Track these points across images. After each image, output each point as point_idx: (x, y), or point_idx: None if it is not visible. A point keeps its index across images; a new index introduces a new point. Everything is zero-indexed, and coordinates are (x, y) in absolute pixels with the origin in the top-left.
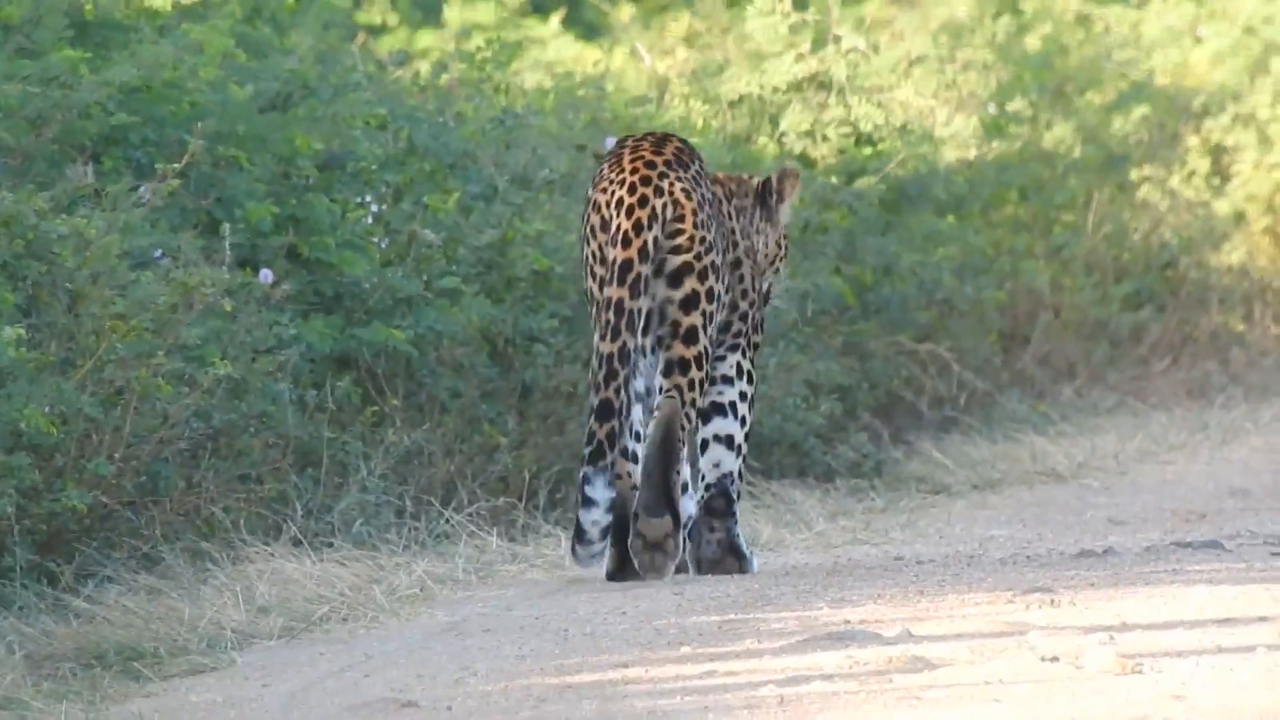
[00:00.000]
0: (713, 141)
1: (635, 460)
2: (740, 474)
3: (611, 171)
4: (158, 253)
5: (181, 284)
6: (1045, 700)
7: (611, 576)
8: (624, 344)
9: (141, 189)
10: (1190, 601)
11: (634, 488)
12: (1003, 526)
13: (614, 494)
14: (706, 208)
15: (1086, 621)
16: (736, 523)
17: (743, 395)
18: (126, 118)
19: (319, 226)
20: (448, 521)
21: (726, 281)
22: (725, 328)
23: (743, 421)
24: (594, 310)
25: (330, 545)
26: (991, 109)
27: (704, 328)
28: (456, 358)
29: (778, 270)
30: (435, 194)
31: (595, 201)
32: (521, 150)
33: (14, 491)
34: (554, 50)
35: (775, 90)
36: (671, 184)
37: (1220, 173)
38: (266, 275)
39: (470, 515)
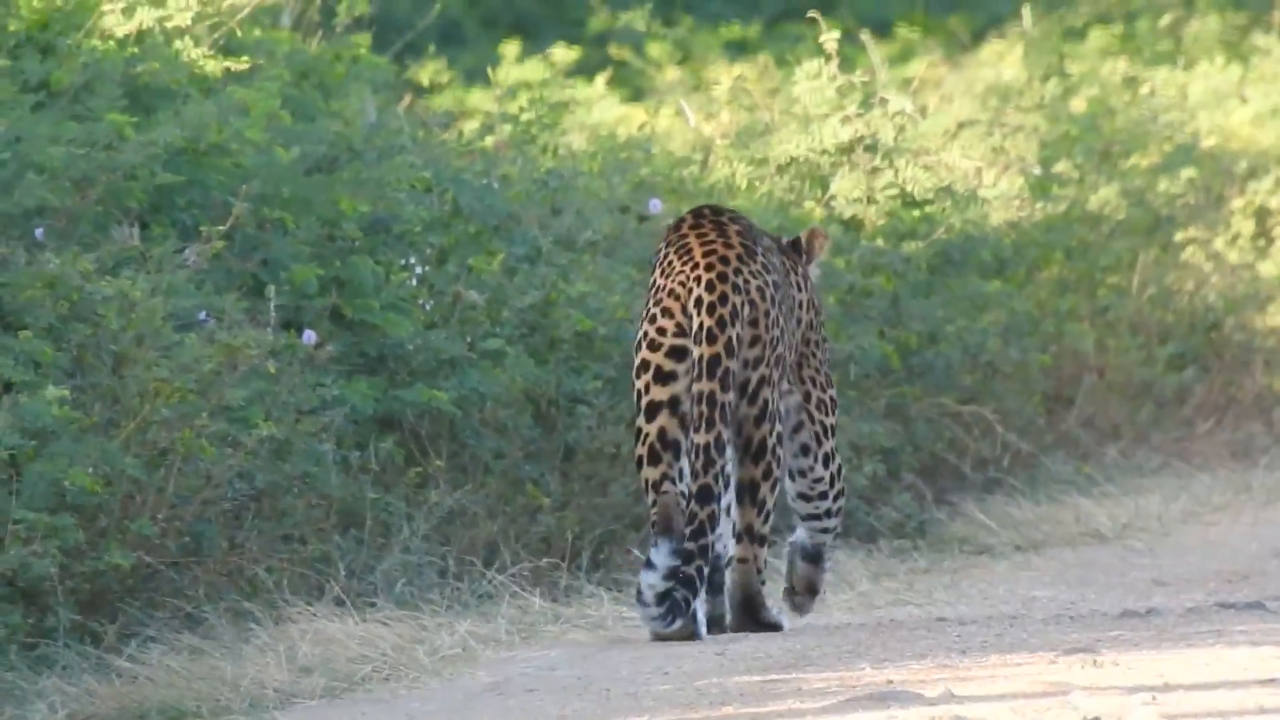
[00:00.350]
0: (759, 204)
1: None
2: (830, 546)
3: (681, 262)
4: (202, 314)
5: (226, 346)
6: None
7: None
8: (719, 433)
9: (186, 251)
10: (1233, 662)
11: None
12: (1046, 587)
13: (675, 562)
14: (777, 297)
15: (1129, 682)
16: (823, 570)
17: (836, 498)
18: (172, 178)
19: (363, 288)
20: (490, 582)
21: (784, 359)
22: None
23: (832, 514)
24: (639, 382)
25: (373, 605)
26: (1037, 171)
27: (774, 436)
28: (500, 419)
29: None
30: (479, 256)
31: (672, 290)
32: (566, 212)
33: (58, 551)
34: (599, 112)
35: (824, 153)
36: (747, 280)
37: (1265, 234)
38: (310, 336)
39: (513, 576)
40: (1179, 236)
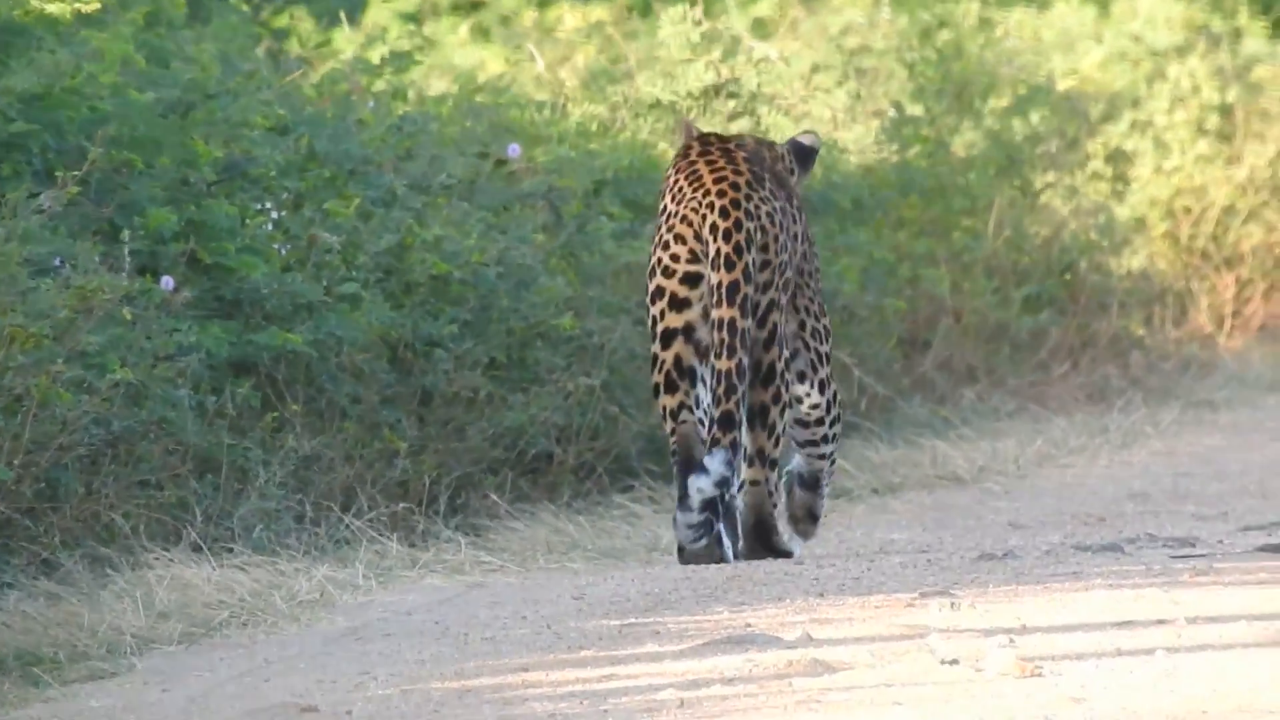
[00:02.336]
0: (616, 148)
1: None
2: (829, 475)
3: (693, 190)
4: (58, 260)
5: (81, 291)
6: (945, 703)
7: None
8: (740, 360)
9: (41, 196)
10: (1090, 605)
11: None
12: (903, 530)
13: (728, 472)
14: (786, 222)
15: (987, 624)
16: (821, 498)
17: (832, 424)
18: (26, 125)
19: (219, 232)
20: (347, 527)
21: (790, 283)
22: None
23: (828, 440)
24: (654, 309)
25: (230, 551)
26: (892, 113)
27: (782, 360)
28: (356, 363)
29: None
30: (335, 200)
31: (685, 216)
32: (421, 156)
33: None
34: (459, 57)
35: (688, 96)
36: (758, 206)
37: (1120, 177)
38: (168, 282)
39: (370, 521)
40: (1037, 181)
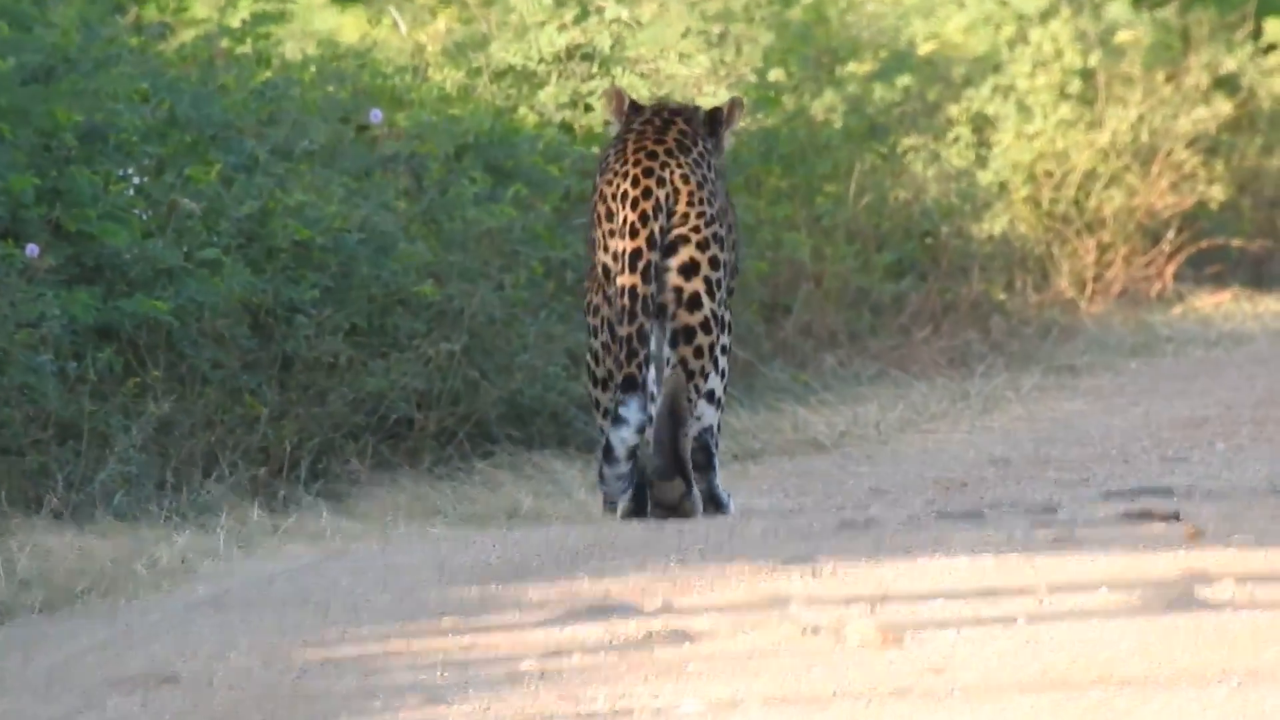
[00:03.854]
0: (473, 112)
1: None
2: (719, 426)
3: (616, 162)
4: None
5: None
6: (806, 672)
7: (627, 517)
8: (641, 325)
9: None
10: (952, 572)
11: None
12: (764, 496)
13: (645, 418)
14: (708, 185)
15: (848, 592)
16: (716, 473)
17: (723, 348)
18: None
19: (80, 198)
20: (209, 493)
21: (732, 251)
22: None
23: (723, 375)
24: (597, 289)
25: (91, 518)
26: (753, 79)
27: (708, 293)
28: (218, 329)
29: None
30: (197, 165)
31: (601, 192)
32: (283, 122)
33: None
34: (319, 21)
35: (541, 61)
36: (672, 172)
37: (983, 142)
38: (33, 250)
39: (231, 486)
40: (900, 145)
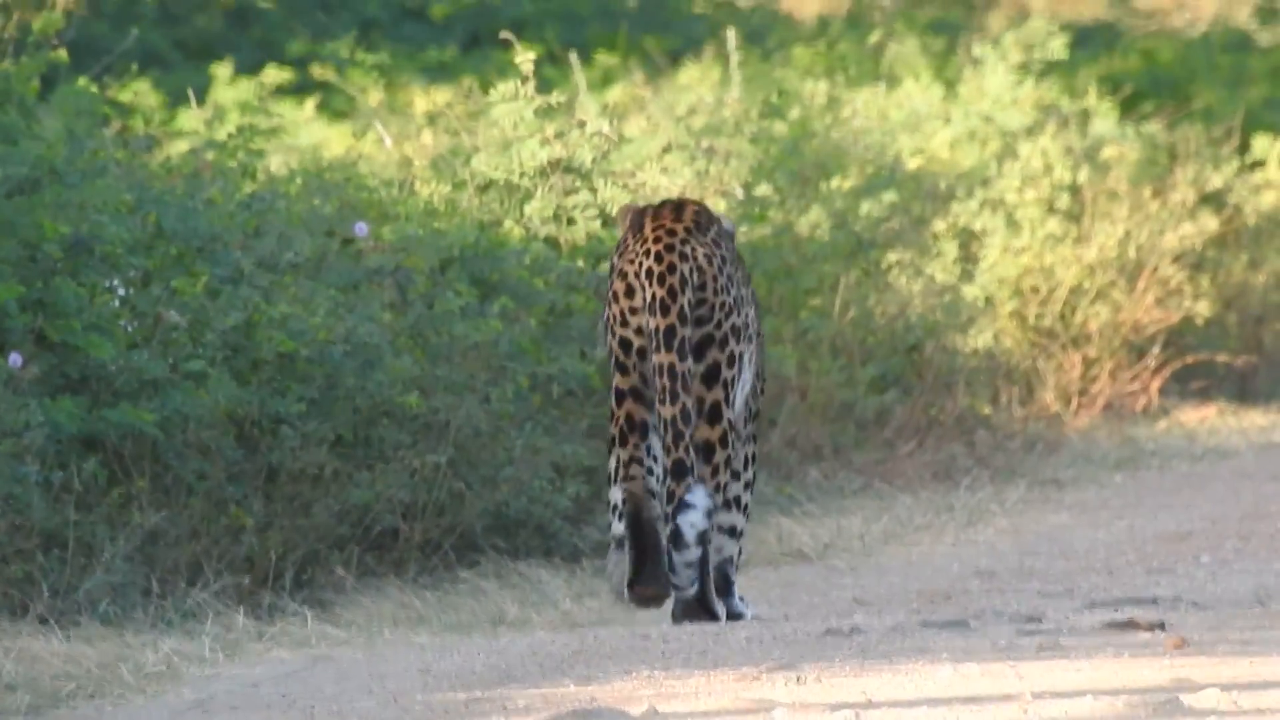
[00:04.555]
0: (458, 226)
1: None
2: (740, 552)
3: (635, 242)
4: None
5: None
6: None
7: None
8: (683, 405)
9: None
10: (936, 679)
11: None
12: (749, 606)
13: (711, 502)
14: (727, 268)
15: (832, 699)
16: (734, 595)
17: (747, 485)
18: None
19: (66, 309)
20: (194, 600)
21: (753, 341)
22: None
23: (745, 510)
24: (615, 367)
25: (77, 624)
26: (740, 195)
27: (727, 400)
28: (203, 440)
29: None
30: (183, 277)
31: (622, 270)
32: (268, 234)
33: None
34: (306, 135)
35: (523, 174)
36: (694, 249)
37: (968, 256)
38: (16, 359)
39: (217, 593)
40: (885, 260)
